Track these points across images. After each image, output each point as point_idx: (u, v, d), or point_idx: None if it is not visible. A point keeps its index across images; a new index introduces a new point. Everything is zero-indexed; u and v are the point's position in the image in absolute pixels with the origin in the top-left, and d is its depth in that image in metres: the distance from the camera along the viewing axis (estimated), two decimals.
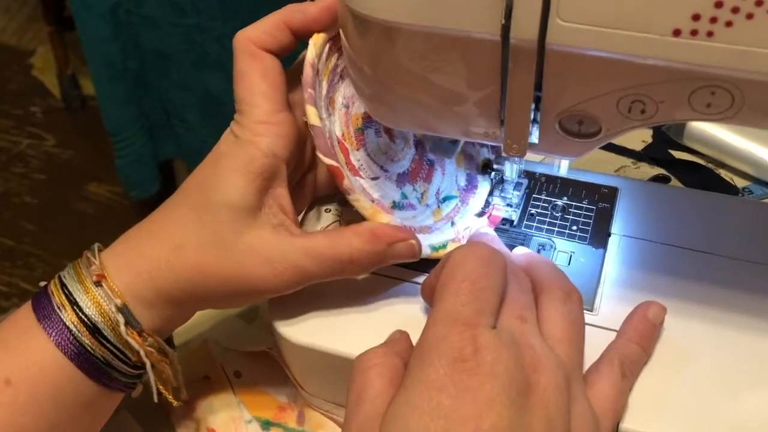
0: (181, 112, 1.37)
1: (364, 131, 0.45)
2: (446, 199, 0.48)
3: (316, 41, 0.41)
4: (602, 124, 0.34)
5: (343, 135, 0.44)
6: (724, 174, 0.65)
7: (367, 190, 0.45)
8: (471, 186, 0.49)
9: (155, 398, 0.42)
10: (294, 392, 0.49)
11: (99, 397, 0.41)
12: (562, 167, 0.48)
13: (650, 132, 0.70)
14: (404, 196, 0.46)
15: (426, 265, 0.43)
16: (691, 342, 0.41)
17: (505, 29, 0.31)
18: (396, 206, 0.46)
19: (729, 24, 0.28)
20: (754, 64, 0.28)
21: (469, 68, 0.34)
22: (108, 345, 0.39)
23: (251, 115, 0.41)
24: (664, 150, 0.68)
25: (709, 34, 0.28)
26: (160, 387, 0.42)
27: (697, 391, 0.39)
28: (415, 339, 0.38)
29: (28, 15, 2.34)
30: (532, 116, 0.35)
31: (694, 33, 0.28)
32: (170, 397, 0.43)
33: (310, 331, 0.43)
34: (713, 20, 0.28)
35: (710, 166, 0.66)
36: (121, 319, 0.39)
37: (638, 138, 0.69)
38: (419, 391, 0.32)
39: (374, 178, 0.45)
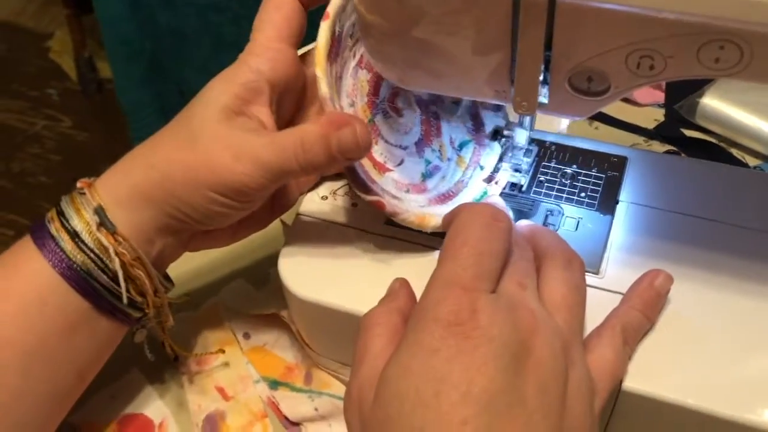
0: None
1: (374, 120, 0.46)
2: (462, 145, 0.49)
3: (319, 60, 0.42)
4: (611, 81, 0.34)
5: None
6: (735, 153, 0.65)
7: (399, 182, 0.46)
8: (480, 127, 0.49)
9: (124, 300, 0.41)
10: (301, 353, 0.50)
11: (90, 318, 0.41)
12: (562, 126, 0.48)
13: (662, 111, 0.70)
14: (427, 161, 0.47)
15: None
16: (693, 307, 0.41)
17: None
18: (426, 176, 0.47)
19: None
20: (763, 15, 0.28)
21: (479, 26, 0.35)
22: (86, 250, 0.40)
23: (254, 39, 0.43)
24: (676, 129, 0.68)
25: None
26: (135, 295, 0.42)
27: (700, 353, 0.39)
28: (417, 291, 0.39)
29: None
30: (542, 75, 0.36)
31: None
32: (150, 311, 0.43)
33: (318, 288, 0.44)
34: None
35: (722, 145, 0.66)
36: (95, 219, 0.40)
37: (650, 116, 0.69)
38: (413, 353, 0.32)
39: (400, 163, 0.46)
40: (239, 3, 1.22)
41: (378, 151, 0.46)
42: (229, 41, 1.28)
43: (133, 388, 0.50)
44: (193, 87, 1.38)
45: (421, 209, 0.45)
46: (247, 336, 0.52)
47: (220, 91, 0.42)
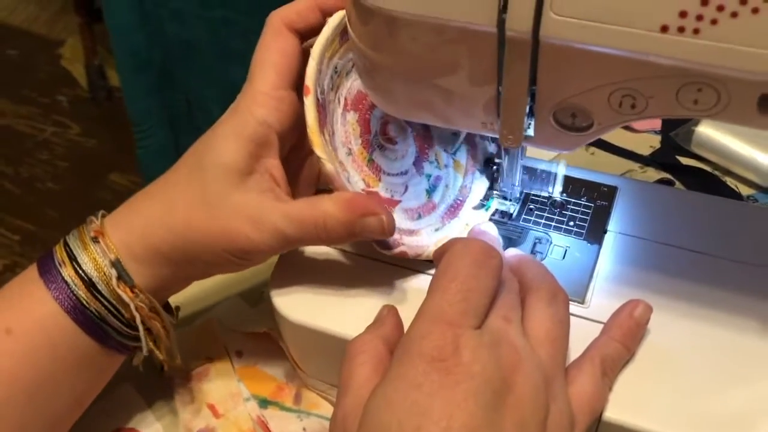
0: (204, 105, 1.38)
1: (372, 159, 0.47)
2: (456, 151, 0.50)
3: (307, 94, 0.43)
4: (594, 118, 0.35)
5: (365, 182, 0.46)
6: (729, 182, 0.65)
7: (409, 209, 0.47)
8: (475, 154, 0.50)
9: (144, 351, 0.43)
10: (292, 372, 0.51)
11: (96, 354, 0.42)
12: (560, 171, 0.49)
13: (658, 138, 0.70)
14: (428, 176, 0.48)
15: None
16: (676, 339, 0.42)
17: (501, 21, 0.32)
18: (431, 191, 0.48)
19: (714, 22, 0.29)
20: (738, 61, 0.29)
21: (467, 60, 0.35)
22: (101, 299, 0.41)
23: (256, 84, 0.43)
24: (671, 155, 0.68)
25: (696, 31, 0.29)
26: (151, 345, 0.44)
27: (680, 385, 0.39)
28: (406, 318, 0.39)
29: (60, 6, 2.38)
30: (528, 109, 0.37)
31: (681, 30, 0.29)
32: (162, 355, 0.45)
33: (308, 310, 0.44)
34: (699, 18, 0.29)
35: (717, 173, 0.66)
36: (113, 273, 0.41)
37: (646, 143, 0.70)
38: (397, 386, 0.33)
39: (405, 191, 0.47)
40: (248, 16, 1.23)
41: (383, 188, 0.47)
42: (236, 54, 1.29)
43: (125, 403, 0.50)
44: (200, 98, 1.39)
45: (437, 235, 0.46)
46: (239, 354, 0.53)
47: (232, 150, 0.42)
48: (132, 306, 0.42)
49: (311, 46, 0.43)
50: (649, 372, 0.40)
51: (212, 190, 0.42)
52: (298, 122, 0.44)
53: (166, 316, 0.44)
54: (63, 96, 2.16)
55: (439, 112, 0.40)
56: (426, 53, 0.36)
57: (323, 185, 0.50)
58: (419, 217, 0.47)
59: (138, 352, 0.45)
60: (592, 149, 0.70)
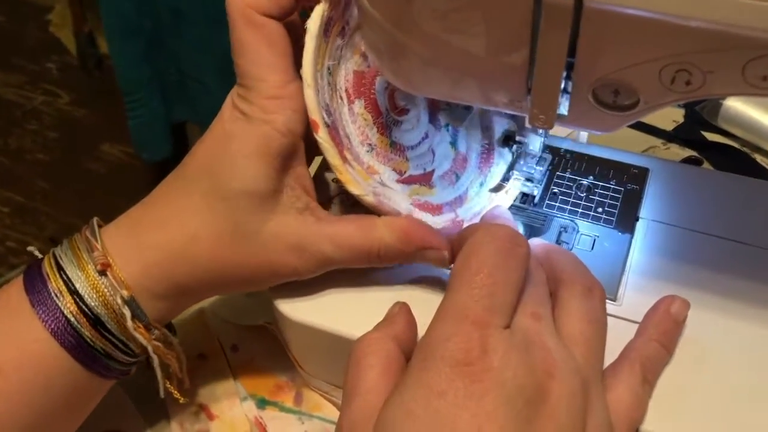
0: (197, 74, 1.34)
1: (393, 141, 0.43)
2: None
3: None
4: (641, 96, 0.31)
5: (395, 171, 0.43)
6: (759, 159, 0.61)
7: (446, 174, 0.44)
8: (490, 136, 0.47)
9: (162, 394, 0.40)
10: (293, 371, 0.47)
11: (92, 384, 0.38)
12: (581, 138, 0.45)
13: (682, 111, 0.66)
14: (446, 126, 0.45)
15: None
16: (716, 338, 0.38)
17: None
18: (454, 142, 0.45)
19: None
20: None
21: (495, 28, 0.31)
22: (110, 337, 0.37)
23: (260, 90, 0.37)
24: (696, 131, 0.64)
25: None
26: (167, 384, 0.40)
27: (719, 392, 0.36)
28: (418, 317, 0.35)
29: None
30: (563, 84, 0.32)
31: None
32: (176, 392, 0.41)
33: (310, 309, 0.40)
34: None
35: (745, 150, 0.62)
36: (127, 312, 0.36)
37: (669, 117, 0.65)
38: (417, 394, 0.29)
39: (434, 156, 0.44)
40: None
41: (414, 167, 0.43)
42: (226, 21, 1.24)
43: (112, 404, 0.46)
44: (192, 67, 1.35)
45: (490, 194, 0.45)
46: (235, 349, 0.49)
47: (257, 172, 0.37)
48: (150, 348, 0.38)
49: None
50: (688, 376, 0.36)
51: (243, 222, 0.37)
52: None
53: (178, 345, 0.40)
54: (52, 63, 2.11)
55: (463, 87, 0.35)
56: (449, 23, 0.31)
57: None
58: (457, 178, 0.44)
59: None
60: None
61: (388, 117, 0.42)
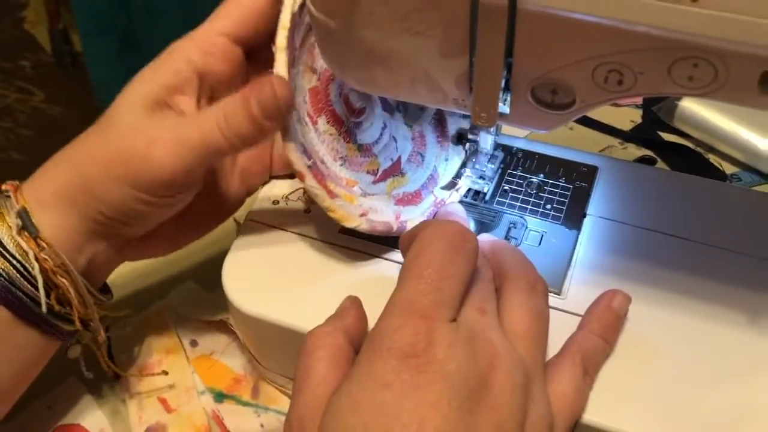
0: None
1: (360, 144, 0.44)
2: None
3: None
4: (577, 95, 0.32)
5: (369, 172, 0.44)
6: (713, 159, 0.62)
7: (413, 155, 0.46)
8: (444, 133, 0.48)
9: (44, 308, 0.38)
10: (250, 365, 0.47)
11: (13, 328, 0.38)
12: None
13: (639, 112, 0.67)
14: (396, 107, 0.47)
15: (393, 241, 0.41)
16: (658, 332, 0.39)
17: None
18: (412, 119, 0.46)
19: None
20: (740, 33, 0.26)
21: (437, 28, 0.32)
22: (8, 256, 0.37)
23: (200, 27, 0.41)
24: (653, 131, 0.65)
25: None
26: (55, 303, 0.39)
27: (661, 383, 0.37)
28: (370, 312, 0.36)
29: None
30: (503, 84, 0.33)
31: None
32: (75, 324, 0.40)
33: (263, 302, 0.41)
34: None
35: (699, 150, 0.63)
36: (16, 222, 0.37)
37: (627, 118, 0.67)
38: (364, 385, 0.30)
39: (395, 142, 0.45)
40: None
41: (383, 160, 0.44)
42: (202, 19, 1.24)
43: (71, 397, 0.47)
44: None
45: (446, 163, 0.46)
46: (194, 343, 0.49)
47: (146, 79, 0.39)
48: (31, 254, 0.37)
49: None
50: (629, 369, 0.37)
51: (116, 116, 0.39)
52: (232, 78, 0.42)
53: (83, 282, 0.39)
54: (26, 61, 2.09)
55: (408, 86, 0.36)
56: (393, 23, 0.32)
57: (278, 170, 0.47)
58: (422, 157, 0.46)
59: (74, 344, 0.41)
60: (571, 124, 0.66)
61: (349, 123, 0.43)
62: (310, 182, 0.39)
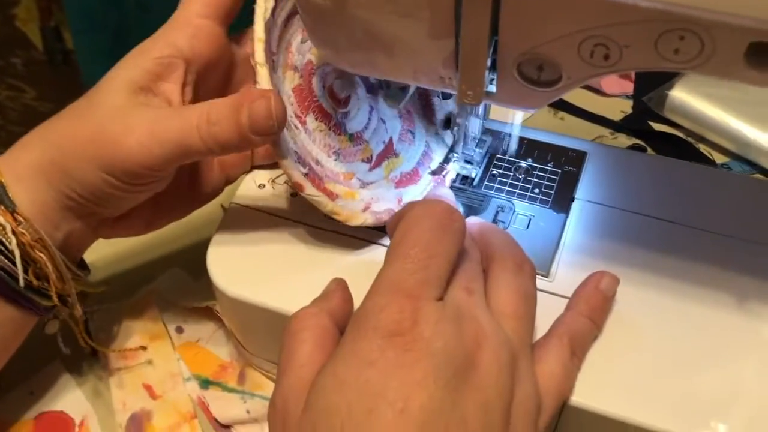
0: None
1: (350, 134, 0.44)
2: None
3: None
4: (563, 71, 0.31)
5: (365, 160, 0.44)
6: (703, 149, 0.62)
7: (403, 133, 0.46)
8: (431, 116, 0.48)
9: (21, 282, 0.38)
10: (236, 351, 0.47)
11: None
12: (516, 120, 0.45)
13: (630, 102, 0.67)
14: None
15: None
16: (645, 314, 0.38)
17: None
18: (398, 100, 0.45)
19: None
20: (727, 4, 0.25)
21: (421, 8, 0.31)
22: None
23: (178, 11, 0.41)
24: (643, 121, 0.65)
25: None
26: (32, 279, 0.38)
27: (648, 365, 0.36)
28: (355, 294, 0.36)
29: None
30: (489, 61, 0.33)
31: None
32: (53, 299, 0.39)
33: (248, 285, 0.40)
34: None
35: (690, 140, 0.63)
36: None
37: (617, 107, 0.67)
38: (349, 364, 0.29)
39: (384, 123, 0.45)
40: None
41: (375, 144, 0.44)
42: None
43: (53, 382, 0.46)
44: None
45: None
46: (180, 330, 0.49)
47: (131, 64, 0.39)
48: (8, 228, 0.37)
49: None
50: (616, 350, 0.37)
51: (97, 98, 0.38)
52: (218, 59, 0.42)
53: (60, 257, 0.39)
54: (17, 58, 2.08)
55: (393, 65, 0.36)
56: (382, 3, 0.31)
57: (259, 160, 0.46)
58: (413, 135, 0.46)
59: (51, 319, 0.41)
60: (561, 114, 0.66)
61: (337, 115, 0.43)
62: (310, 191, 0.39)
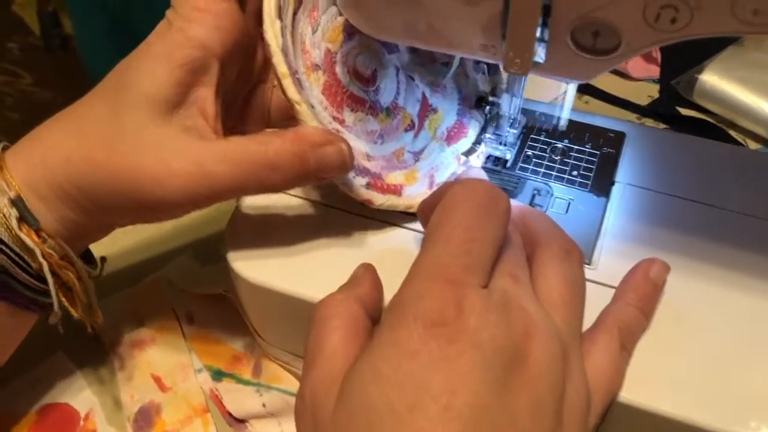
0: None
1: (386, 110, 0.41)
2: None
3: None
4: (622, 37, 0.29)
5: (411, 126, 0.42)
6: (735, 135, 0.60)
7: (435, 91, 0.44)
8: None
9: (56, 307, 0.36)
10: (251, 341, 0.44)
11: (2, 314, 0.36)
12: (566, 108, 0.43)
13: (657, 87, 0.64)
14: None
15: None
16: (695, 305, 0.36)
17: None
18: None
19: None
20: None
21: None
22: (4, 247, 0.34)
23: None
24: (671, 106, 0.63)
25: None
26: (63, 300, 0.36)
27: (700, 360, 0.34)
28: (384, 280, 0.34)
29: None
30: (539, 27, 0.30)
31: None
32: (77, 312, 0.37)
33: (269, 270, 0.38)
34: None
35: (721, 126, 0.61)
36: (14, 213, 0.34)
37: (644, 92, 0.64)
38: (387, 355, 0.27)
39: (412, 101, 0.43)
40: None
41: (411, 107, 0.42)
42: None
43: (57, 374, 0.44)
44: None
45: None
46: (190, 318, 0.46)
47: (159, 77, 0.34)
48: (38, 252, 0.34)
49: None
50: (665, 344, 0.34)
51: (126, 121, 0.34)
52: (244, 42, 0.37)
53: (83, 266, 0.37)
54: (14, 43, 2.05)
55: (432, 32, 0.33)
56: None
57: (276, 117, 0.42)
58: (444, 87, 0.44)
59: (53, 309, 0.38)
60: (586, 98, 0.64)
61: (369, 95, 0.40)
62: (379, 201, 0.38)
